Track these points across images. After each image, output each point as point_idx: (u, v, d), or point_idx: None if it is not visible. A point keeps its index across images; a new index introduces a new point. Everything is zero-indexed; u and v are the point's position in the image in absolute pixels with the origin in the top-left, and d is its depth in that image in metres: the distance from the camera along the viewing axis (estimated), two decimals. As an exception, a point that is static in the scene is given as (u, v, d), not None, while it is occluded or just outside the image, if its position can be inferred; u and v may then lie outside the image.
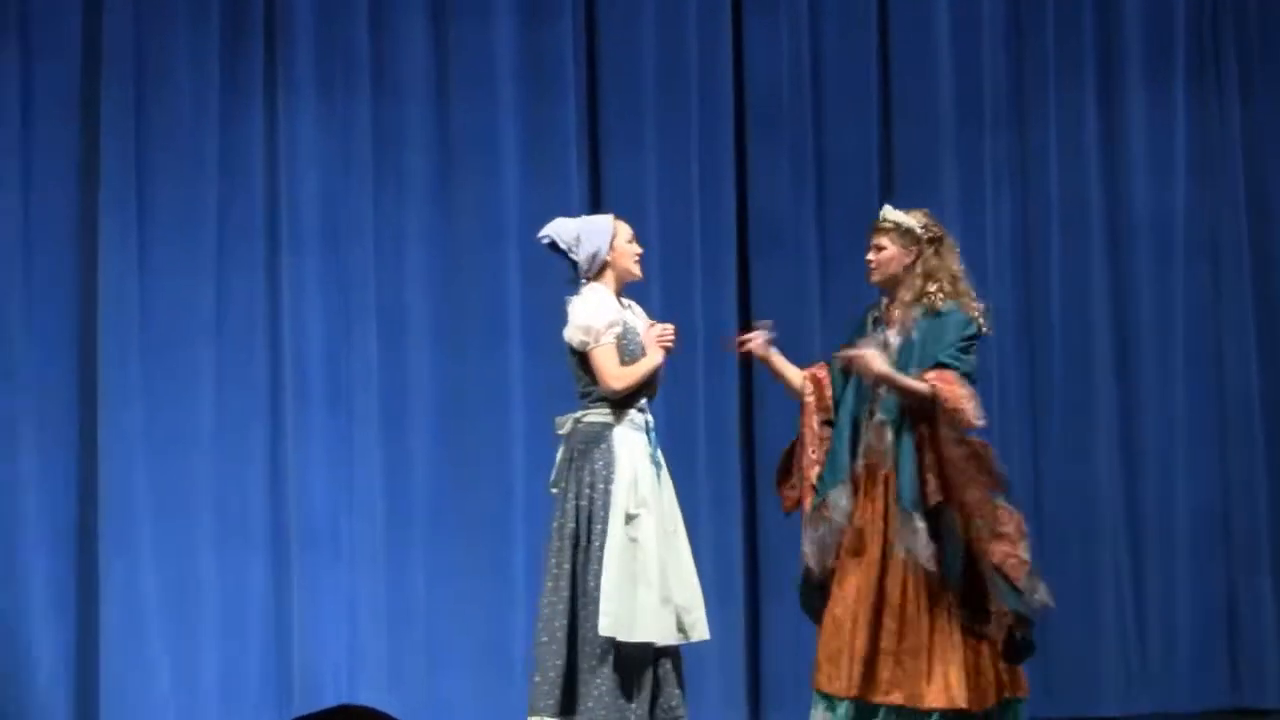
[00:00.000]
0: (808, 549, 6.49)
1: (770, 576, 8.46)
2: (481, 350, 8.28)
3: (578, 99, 8.47)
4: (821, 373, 6.62)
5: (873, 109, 8.71)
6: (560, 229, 6.38)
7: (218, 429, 8.10)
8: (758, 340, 6.65)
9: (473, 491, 8.22)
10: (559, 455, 6.36)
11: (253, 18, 8.23)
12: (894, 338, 6.47)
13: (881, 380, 6.35)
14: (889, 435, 6.40)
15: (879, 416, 6.44)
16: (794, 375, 6.68)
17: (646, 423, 6.35)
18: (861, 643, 6.33)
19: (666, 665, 6.25)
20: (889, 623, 6.34)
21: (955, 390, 6.31)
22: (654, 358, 6.33)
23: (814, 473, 6.53)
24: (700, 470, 8.40)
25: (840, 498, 6.44)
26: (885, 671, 6.34)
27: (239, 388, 8.14)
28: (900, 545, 6.34)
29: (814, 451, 6.56)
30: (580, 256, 6.35)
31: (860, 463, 6.45)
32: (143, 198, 8.12)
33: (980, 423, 6.36)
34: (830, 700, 6.38)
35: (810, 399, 6.62)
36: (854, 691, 6.33)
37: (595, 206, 8.38)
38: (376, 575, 8.15)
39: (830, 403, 6.57)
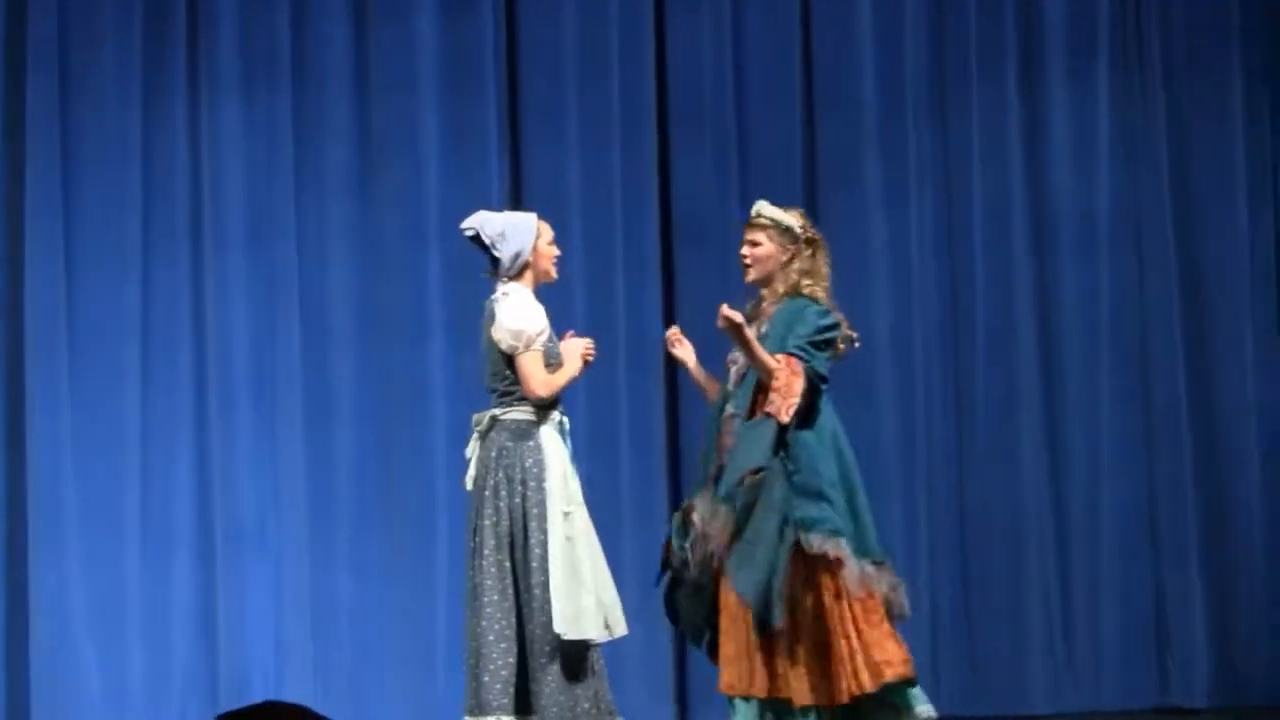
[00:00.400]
0: (675, 554, 6.50)
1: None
2: (404, 345, 8.29)
3: (498, 94, 8.47)
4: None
5: (796, 103, 8.70)
6: (485, 222, 6.37)
7: (143, 428, 8.10)
8: (672, 340, 6.68)
9: (396, 487, 8.22)
10: (475, 452, 6.34)
11: (175, 14, 8.26)
12: (763, 328, 6.47)
13: (735, 332, 6.26)
14: (737, 428, 6.40)
15: (728, 410, 6.43)
16: (705, 380, 6.71)
17: (563, 423, 6.36)
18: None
19: (601, 661, 6.28)
20: (723, 623, 6.39)
21: (793, 384, 6.26)
22: (573, 367, 6.33)
23: None
24: (623, 467, 8.42)
25: (703, 502, 6.44)
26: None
27: (164, 387, 8.16)
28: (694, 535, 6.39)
29: None
30: (503, 254, 6.33)
31: (714, 464, 6.45)
32: (68, 199, 8.13)
33: (785, 419, 6.28)
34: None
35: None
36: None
37: (516, 203, 8.39)
38: (302, 572, 8.14)
39: None
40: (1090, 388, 8.79)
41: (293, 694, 7.99)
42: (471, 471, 6.34)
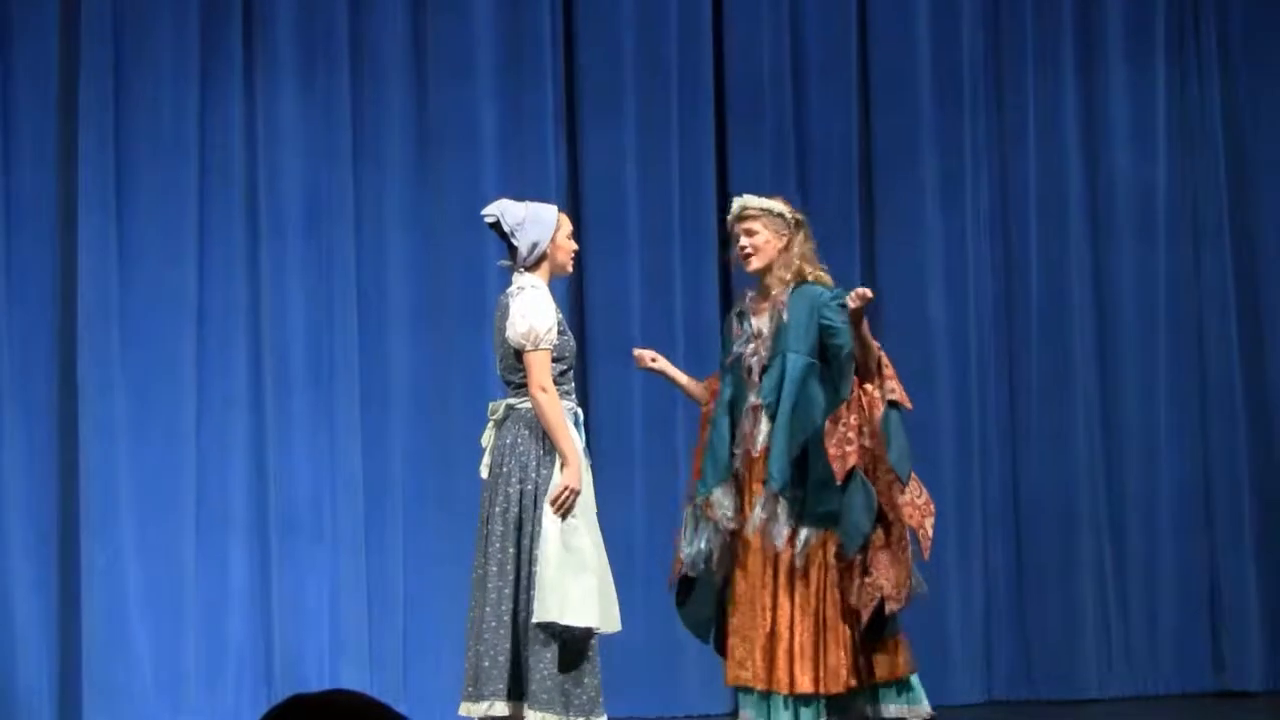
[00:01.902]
0: (686, 550, 6.54)
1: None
2: (462, 333, 8.27)
3: (555, 82, 8.45)
4: (717, 384, 6.69)
5: (852, 93, 8.69)
6: (507, 210, 6.35)
7: (199, 415, 8.10)
8: (643, 359, 6.76)
9: (452, 474, 8.20)
10: (490, 440, 6.34)
11: (231, 2, 8.20)
12: (765, 325, 6.49)
13: (858, 315, 6.33)
14: (764, 419, 6.43)
15: (753, 400, 6.46)
16: (690, 383, 6.82)
17: (577, 414, 6.36)
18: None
19: (597, 653, 6.27)
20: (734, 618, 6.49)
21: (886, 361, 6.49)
22: (570, 447, 6.19)
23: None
24: (680, 457, 8.38)
25: (724, 497, 6.46)
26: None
27: (219, 371, 8.14)
28: (750, 527, 6.40)
29: None
30: (521, 243, 6.31)
31: (739, 456, 6.49)
32: (121, 184, 8.11)
33: (910, 405, 6.55)
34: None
35: (707, 409, 6.71)
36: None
37: (574, 191, 8.38)
38: (358, 558, 8.15)
39: None
40: (1145, 370, 8.79)
41: (347, 680, 8.02)
42: (486, 460, 6.35)
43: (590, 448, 8.06)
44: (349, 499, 8.17)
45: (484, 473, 6.34)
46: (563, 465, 6.17)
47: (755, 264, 6.60)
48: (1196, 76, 8.90)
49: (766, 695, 6.45)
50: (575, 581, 6.14)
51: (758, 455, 6.47)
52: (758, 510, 6.44)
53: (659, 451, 8.41)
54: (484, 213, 6.38)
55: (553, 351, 6.23)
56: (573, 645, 6.17)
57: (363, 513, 8.18)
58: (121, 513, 8.00)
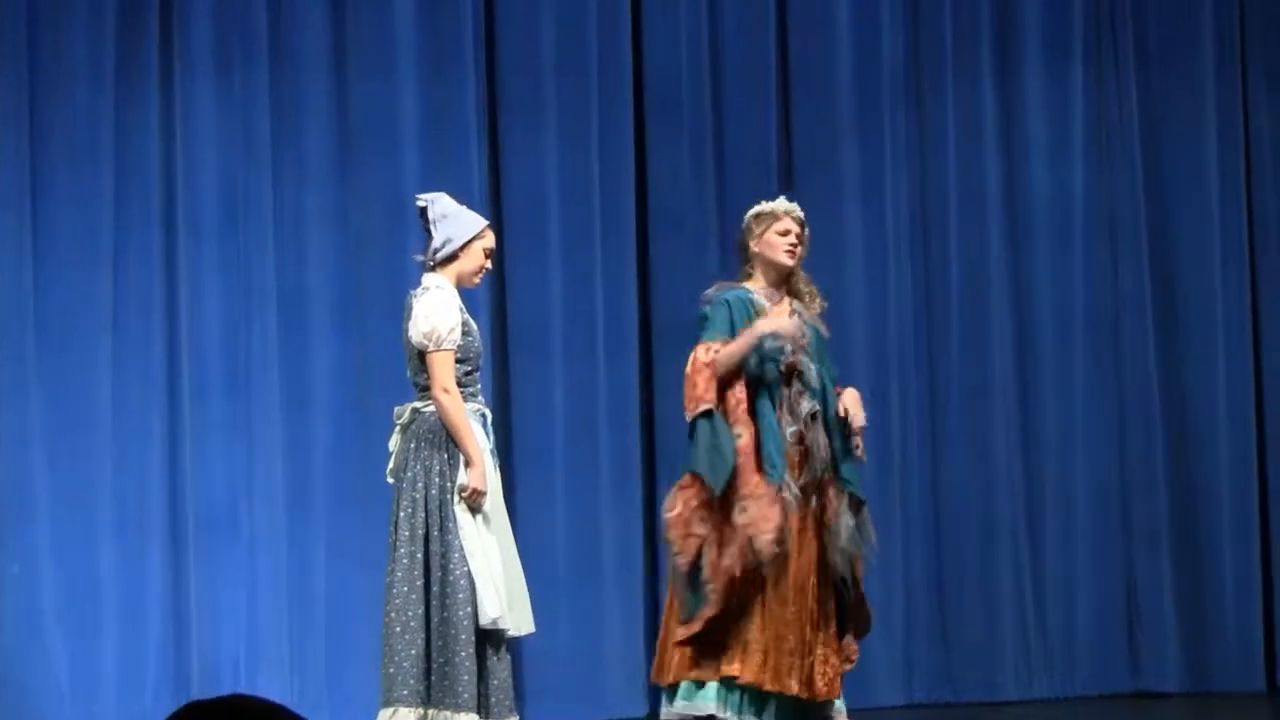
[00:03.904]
0: (769, 535, 6.37)
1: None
2: (383, 333, 8.19)
3: (477, 80, 8.44)
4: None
5: (772, 92, 8.71)
6: (439, 201, 6.36)
7: (115, 418, 8.03)
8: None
9: (373, 475, 8.14)
10: (396, 444, 6.33)
11: (147, -6, 8.17)
12: (806, 323, 6.54)
13: None
14: (819, 427, 6.51)
15: (811, 406, 6.50)
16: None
17: (485, 416, 6.34)
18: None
19: (508, 655, 6.27)
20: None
21: None
22: (473, 446, 6.18)
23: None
24: (602, 454, 8.41)
25: (792, 484, 6.44)
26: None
27: (136, 375, 8.07)
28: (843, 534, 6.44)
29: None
30: (437, 235, 6.31)
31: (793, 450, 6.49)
32: (36, 187, 8.04)
33: None
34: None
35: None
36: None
37: (495, 190, 8.38)
38: (277, 560, 8.10)
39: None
40: (1063, 374, 8.84)
41: (267, 682, 7.98)
42: (391, 465, 6.34)
43: (510, 449, 8.12)
44: (267, 501, 8.12)
45: (389, 478, 6.33)
46: (467, 466, 6.14)
47: (794, 262, 6.62)
48: (1114, 80, 8.96)
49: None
50: (497, 585, 6.14)
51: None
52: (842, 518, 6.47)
53: (581, 453, 8.40)
54: (417, 197, 6.40)
55: (456, 352, 6.21)
56: (487, 648, 6.16)
57: (283, 514, 8.13)
58: (37, 517, 7.93)
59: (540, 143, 8.47)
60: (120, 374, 8.05)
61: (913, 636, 8.63)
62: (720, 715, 6.36)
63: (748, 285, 6.63)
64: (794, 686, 6.35)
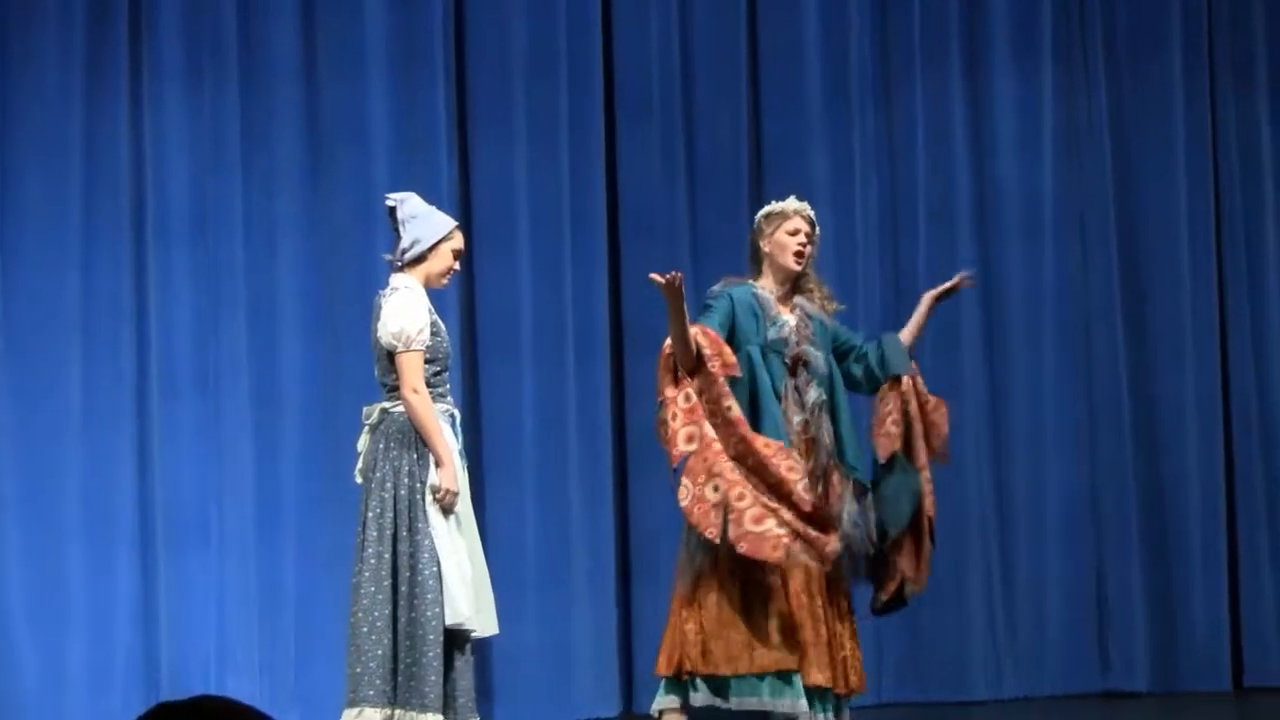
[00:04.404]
0: (777, 554, 6.39)
1: (642, 564, 8.46)
2: (353, 335, 8.17)
3: (447, 85, 8.43)
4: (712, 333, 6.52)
5: (742, 95, 8.73)
6: (408, 201, 6.37)
7: (84, 422, 8.01)
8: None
9: (345, 477, 8.12)
10: (364, 444, 6.33)
11: (116, 2, 8.12)
12: (796, 320, 6.55)
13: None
14: (824, 416, 6.57)
15: (818, 395, 6.52)
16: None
17: (453, 416, 6.34)
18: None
19: (471, 656, 6.28)
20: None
21: None
22: (444, 452, 6.19)
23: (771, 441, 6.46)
24: (572, 456, 8.40)
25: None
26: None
27: (106, 379, 8.05)
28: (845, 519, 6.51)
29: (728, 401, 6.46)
30: (405, 235, 6.32)
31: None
32: (5, 191, 8.02)
33: None
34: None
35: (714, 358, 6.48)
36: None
37: (465, 193, 8.37)
38: (247, 564, 8.09)
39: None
40: (1032, 376, 8.86)
41: (236, 685, 7.97)
42: (360, 465, 6.34)
43: (479, 449, 8.11)
44: (237, 504, 8.10)
45: (358, 478, 6.33)
46: (437, 466, 6.14)
47: (801, 265, 6.66)
48: (1084, 80, 8.99)
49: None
50: (461, 586, 6.14)
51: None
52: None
53: (550, 453, 8.40)
54: (387, 197, 6.41)
55: (425, 353, 6.21)
56: (454, 649, 6.18)
57: (252, 517, 8.11)
58: (6, 520, 7.91)
59: (510, 144, 8.47)
60: (90, 377, 8.03)
61: (882, 635, 8.63)
62: (775, 707, 6.41)
63: (754, 282, 6.63)
64: (821, 679, 6.41)
